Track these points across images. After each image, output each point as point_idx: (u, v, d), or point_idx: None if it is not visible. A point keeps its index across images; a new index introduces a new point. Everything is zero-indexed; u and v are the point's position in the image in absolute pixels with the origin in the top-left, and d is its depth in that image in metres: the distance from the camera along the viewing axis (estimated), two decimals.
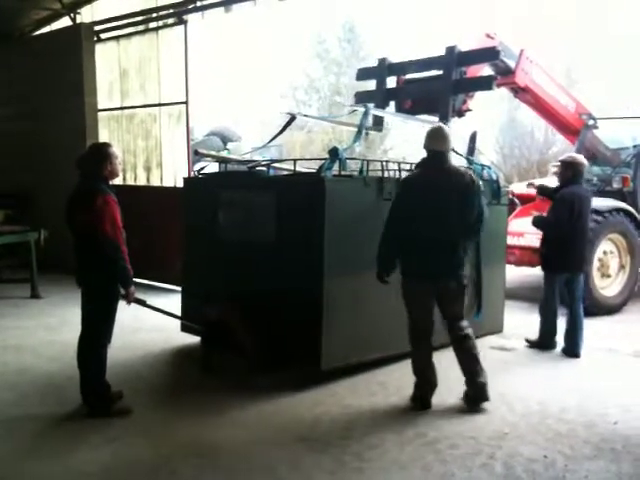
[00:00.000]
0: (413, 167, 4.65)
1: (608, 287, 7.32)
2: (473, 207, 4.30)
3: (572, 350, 5.61)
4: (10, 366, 5.32)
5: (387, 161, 5.42)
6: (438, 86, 6.62)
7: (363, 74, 7.51)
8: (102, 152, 4.29)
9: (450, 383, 4.73)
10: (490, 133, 18.57)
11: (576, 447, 3.76)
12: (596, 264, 7.15)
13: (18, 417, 4.24)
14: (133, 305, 4.36)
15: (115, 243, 4.05)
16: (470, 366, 4.38)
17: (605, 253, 7.27)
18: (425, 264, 4.29)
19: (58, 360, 5.40)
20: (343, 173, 4.99)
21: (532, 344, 5.84)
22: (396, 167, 5.36)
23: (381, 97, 6.99)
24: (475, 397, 4.36)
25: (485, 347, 5.79)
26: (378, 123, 7.15)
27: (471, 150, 6.39)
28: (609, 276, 7.35)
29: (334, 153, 4.85)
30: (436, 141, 4.39)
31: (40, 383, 4.90)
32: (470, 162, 5.90)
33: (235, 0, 8.41)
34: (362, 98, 7.26)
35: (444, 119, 6.38)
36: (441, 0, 23.97)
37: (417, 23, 24.08)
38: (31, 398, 4.59)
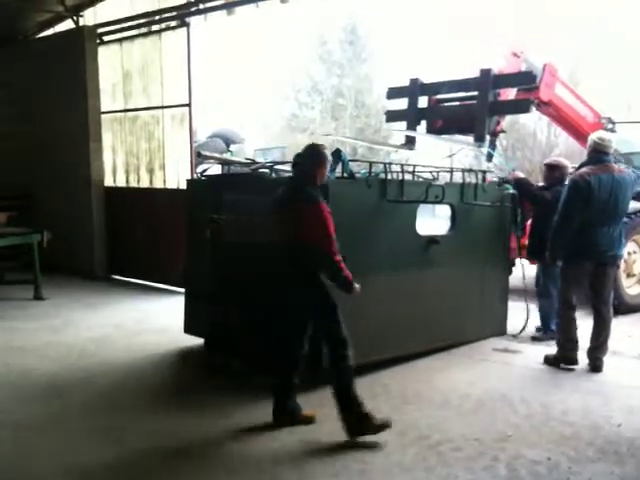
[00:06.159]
0: (579, 165, 5.39)
1: (632, 286, 7.47)
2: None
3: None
4: (13, 367, 5.32)
5: (390, 163, 5.41)
6: (474, 107, 6.64)
7: (394, 93, 7.39)
8: (320, 155, 4.02)
9: (455, 385, 4.73)
10: None
11: (580, 449, 3.74)
12: (622, 264, 7.20)
13: (21, 418, 4.24)
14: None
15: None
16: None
17: (630, 253, 7.38)
18: (594, 246, 5.04)
19: (61, 361, 5.41)
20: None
21: (537, 339, 5.98)
22: (399, 169, 5.36)
23: (413, 116, 7.01)
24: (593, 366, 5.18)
25: (488, 349, 5.79)
26: (411, 142, 7.19)
27: (490, 153, 6.75)
28: (633, 275, 7.48)
29: (337, 155, 4.85)
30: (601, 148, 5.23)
31: (43, 384, 4.90)
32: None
33: (237, 3, 8.43)
34: (393, 116, 7.28)
35: (480, 140, 6.49)
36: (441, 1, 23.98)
37: (417, 24, 24.13)
38: (34, 399, 4.59)
